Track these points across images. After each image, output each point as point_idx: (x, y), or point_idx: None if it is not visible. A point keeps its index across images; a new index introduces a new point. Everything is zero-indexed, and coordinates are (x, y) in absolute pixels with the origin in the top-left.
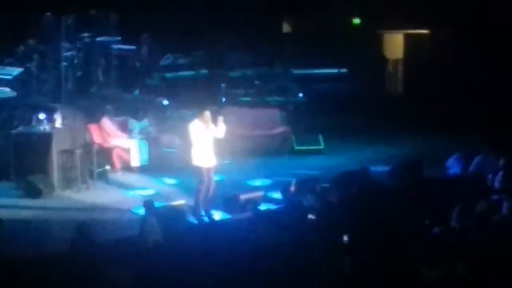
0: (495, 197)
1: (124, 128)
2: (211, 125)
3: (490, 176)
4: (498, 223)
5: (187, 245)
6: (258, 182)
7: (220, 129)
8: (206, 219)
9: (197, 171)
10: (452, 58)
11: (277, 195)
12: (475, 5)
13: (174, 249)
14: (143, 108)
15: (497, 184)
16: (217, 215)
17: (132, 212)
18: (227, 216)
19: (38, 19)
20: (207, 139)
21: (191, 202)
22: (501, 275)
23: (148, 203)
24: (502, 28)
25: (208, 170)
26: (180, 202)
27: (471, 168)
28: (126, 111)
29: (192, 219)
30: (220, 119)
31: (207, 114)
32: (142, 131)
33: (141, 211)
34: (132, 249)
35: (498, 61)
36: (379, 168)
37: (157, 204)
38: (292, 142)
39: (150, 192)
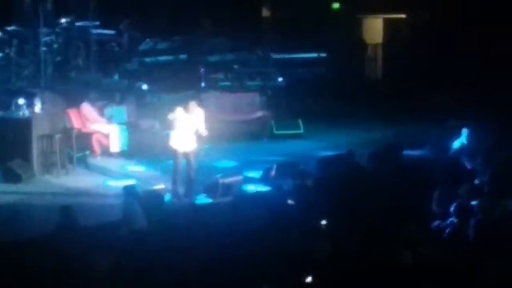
0: (476, 181)
1: (103, 113)
2: (195, 115)
3: (466, 159)
4: (479, 209)
5: (169, 230)
6: (237, 167)
7: (202, 129)
8: (186, 203)
9: (173, 153)
10: (431, 42)
11: (257, 179)
12: None
13: (157, 234)
14: (121, 92)
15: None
16: (198, 200)
17: (110, 194)
18: (207, 200)
19: (17, 4)
20: (186, 126)
21: (170, 186)
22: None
23: (129, 188)
24: (481, 12)
25: (186, 154)
26: (160, 186)
27: (450, 152)
28: (105, 96)
29: (172, 203)
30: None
31: (192, 104)
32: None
33: (119, 194)
34: (114, 234)
35: (477, 45)
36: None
37: (137, 188)
38: (272, 127)
39: (129, 176)
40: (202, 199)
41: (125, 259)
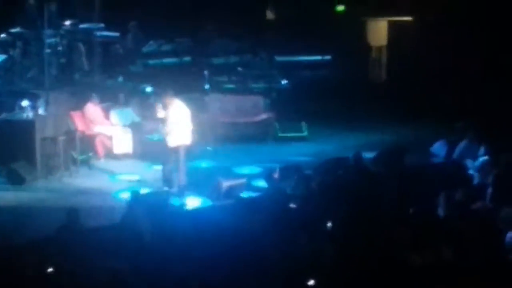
0: (475, 184)
1: (107, 115)
2: (176, 108)
3: (470, 162)
4: (478, 211)
5: (171, 233)
6: (241, 169)
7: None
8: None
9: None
10: (435, 45)
11: (261, 182)
12: None
13: (158, 237)
14: (125, 93)
15: (476, 170)
16: (196, 201)
17: (113, 196)
18: (209, 202)
19: (21, 5)
20: (172, 121)
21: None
22: (483, 262)
23: (135, 194)
24: (486, 15)
25: (176, 149)
26: (164, 189)
27: (455, 154)
28: (109, 98)
29: (175, 206)
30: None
31: (168, 97)
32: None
33: (124, 196)
34: (117, 236)
35: (481, 48)
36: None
37: (142, 190)
38: (276, 129)
39: (133, 178)
40: (204, 201)
41: (127, 262)
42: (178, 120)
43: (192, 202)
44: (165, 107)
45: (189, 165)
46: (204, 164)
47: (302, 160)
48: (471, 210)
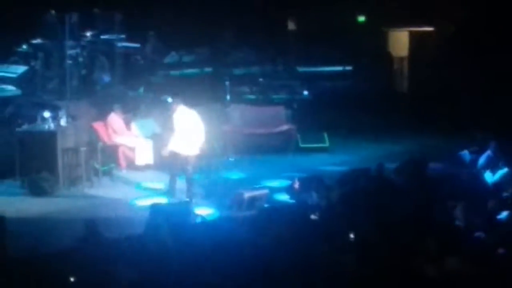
0: (505, 194)
1: (129, 126)
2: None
3: (490, 173)
4: (501, 221)
5: (192, 244)
6: (263, 180)
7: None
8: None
9: None
10: (457, 55)
11: (282, 193)
12: (479, 2)
13: (180, 247)
14: (146, 103)
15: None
16: (216, 212)
17: (135, 207)
18: (229, 213)
19: (42, 17)
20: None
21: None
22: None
23: (155, 205)
24: (506, 26)
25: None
26: (186, 199)
27: (479, 165)
28: (130, 108)
29: (197, 216)
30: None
31: (175, 103)
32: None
33: (145, 207)
34: (138, 247)
35: (502, 59)
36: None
37: (163, 201)
38: (297, 140)
39: (156, 187)
40: (224, 213)
41: (148, 273)
42: (184, 127)
43: (213, 213)
44: (172, 113)
45: (210, 175)
46: (225, 175)
47: (324, 170)
48: (494, 220)
